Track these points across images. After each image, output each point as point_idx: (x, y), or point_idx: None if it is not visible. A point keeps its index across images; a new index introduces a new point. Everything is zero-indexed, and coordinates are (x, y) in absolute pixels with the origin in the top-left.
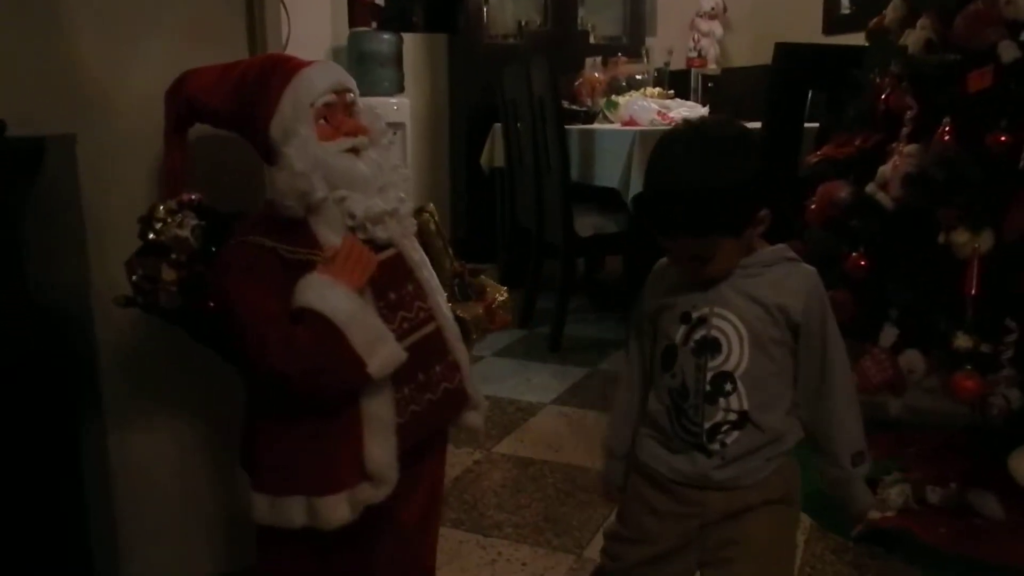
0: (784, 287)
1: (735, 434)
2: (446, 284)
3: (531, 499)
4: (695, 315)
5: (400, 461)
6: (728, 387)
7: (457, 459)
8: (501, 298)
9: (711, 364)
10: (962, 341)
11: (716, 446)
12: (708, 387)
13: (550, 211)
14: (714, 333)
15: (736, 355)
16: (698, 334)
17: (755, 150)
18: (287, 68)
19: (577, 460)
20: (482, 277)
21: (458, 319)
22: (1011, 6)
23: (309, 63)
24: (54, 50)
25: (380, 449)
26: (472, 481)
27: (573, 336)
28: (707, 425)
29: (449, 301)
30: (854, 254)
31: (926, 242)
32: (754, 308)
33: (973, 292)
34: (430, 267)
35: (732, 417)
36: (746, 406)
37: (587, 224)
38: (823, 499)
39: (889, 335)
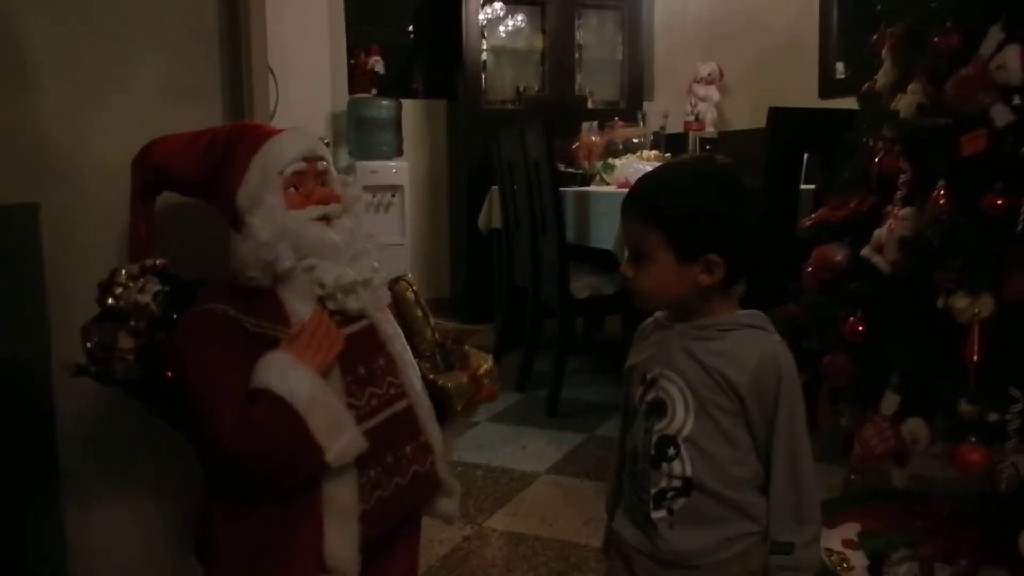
0: (734, 356)
1: (681, 501)
2: (428, 354)
3: None
4: (649, 376)
5: (363, 552)
6: (671, 451)
7: (447, 534)
8: (486, 366)
9: (657, 427)
10: (966, 409)
11: (663, 512)
12: (653, 451)
13: (547, 272)
14: (661, 395)
15: (680, 418)
16: (649, 395)
17: (721, 210)
18: (256, 136)
19: (571, 535)
20: (466, 347)
21: (440, 388)
22: (1002, 70)
23: (278, 131)
24: (19, 115)
25: (341, 539)
26: (461, 560)
27: (571, 399)
28: (653, 491)
29: (431, 372)
30: (852, 318)
31: (925, 306)
32: (700, 373)
33: (975, 359)
34: (404, 341)
35: (676, 484)
36: (689, 472)
37: (584, 285)
38: None
39: (890, 402)
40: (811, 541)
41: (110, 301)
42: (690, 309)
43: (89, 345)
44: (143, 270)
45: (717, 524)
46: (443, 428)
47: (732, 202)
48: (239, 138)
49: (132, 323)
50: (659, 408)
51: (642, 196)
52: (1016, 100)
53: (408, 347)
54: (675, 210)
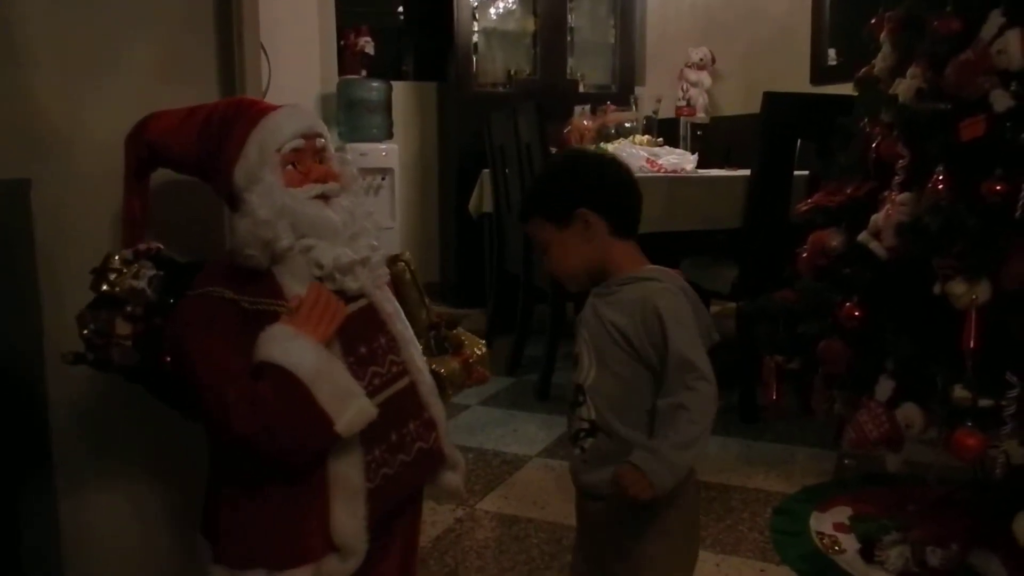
0: (622, 305)
1: (589, 440)
2: (421, 336)
3: (515, 561)
4: (576, 332)
5: (370, 530)
6: (580, 398)
7: (439, 517)
8: (479, 353)
9: (574, 376)
10: (961, 394)
11: (578, 451)
12: (572, 396)
13: (538, 257)
14: (576, 348)
15: (586, 369)
16: (574, 349)
17: (573, 171)
18: (253, 112)
19: (563, 518)
20: (459, 329)
21: (433, 373)
22: (1003, 55)
23: (276, 107)
24: (10, 90)
25: (348, 518)
26: (454, 541)
27: (562, 384)
28: (573, 430)
29: (424, 355)
30: (848, 304)
31: (922, 292)
32: (599, 326)
33: (972, 345)
34: (404, 318)
35: (585, 425)
36: (592, 416)
37: None
38: (819, 563)
39: (885, 388)
40: (675, 445)
41: (105, 287)
42: (604, 272)
43: (86, 332)
44: (136, 255)
45: (615, 461)
46: None
47: (579, 164)
48: (236, 114)
49: (128, 309)
50: (576, 360)
51: (522, 200)
52: (1014, 86)
53: (408, 324)
54: (538, 191)
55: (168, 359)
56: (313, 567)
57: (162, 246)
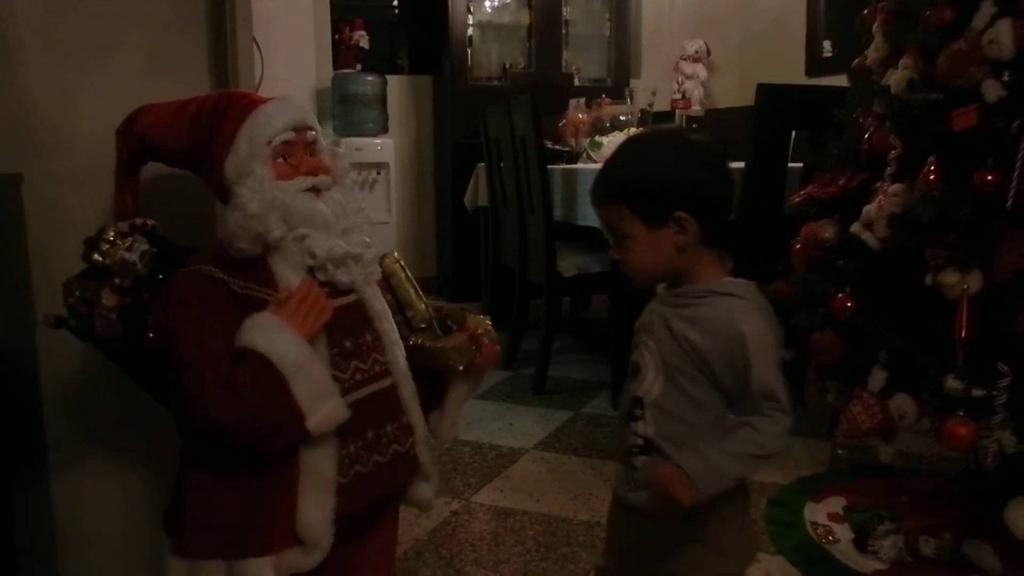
0: (702, 323)
1: (643, 459)
2: (424, 325)
3: (510, 553)
4: (635, 339)
5: (338, 528)
6: (638, 412)
7: (434, 509)
8: (484, 326)
9: (631, 387)
10: (953, 384)
11: (628, 468)
12: (626, 408)
13: (534, 251)
14: (637, 358)
15: (648, 382)
16: (632, 357)
17: (681, 165)
18: (243, 105)
19: (559, 510)
20: (462, 310)
21: (440, 350)
22: (994, 45)
23: (267, 100)
24: (1, 84)
25: (315, 509)
26: (449, 534)
27: (558, 377)
28: (625, 446)
29: (429, 340)
30: (840, 295)
31: (914, 282)
32: (669, 339)
33: (963, 335)
34: (392, 320)
35: (639, 442)
36: (650, 433)
37: (571, 264)
38: (814, 553)
39: (878, 378)
40: (729, 454)
41: (96, 257)
42: (681, 277)
43: (71, 299)
44: (132, 228)
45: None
46: (447, 398)
47: (686, 158)
48: (227, 107)
49: (117, 281)
50: (635, 370)
51: (601, 177)
52: (1006, 75)
53: (395, 327)
54: (631, 179)
55: (151, 335)
56: (274, 559)
57: (157, 224)
